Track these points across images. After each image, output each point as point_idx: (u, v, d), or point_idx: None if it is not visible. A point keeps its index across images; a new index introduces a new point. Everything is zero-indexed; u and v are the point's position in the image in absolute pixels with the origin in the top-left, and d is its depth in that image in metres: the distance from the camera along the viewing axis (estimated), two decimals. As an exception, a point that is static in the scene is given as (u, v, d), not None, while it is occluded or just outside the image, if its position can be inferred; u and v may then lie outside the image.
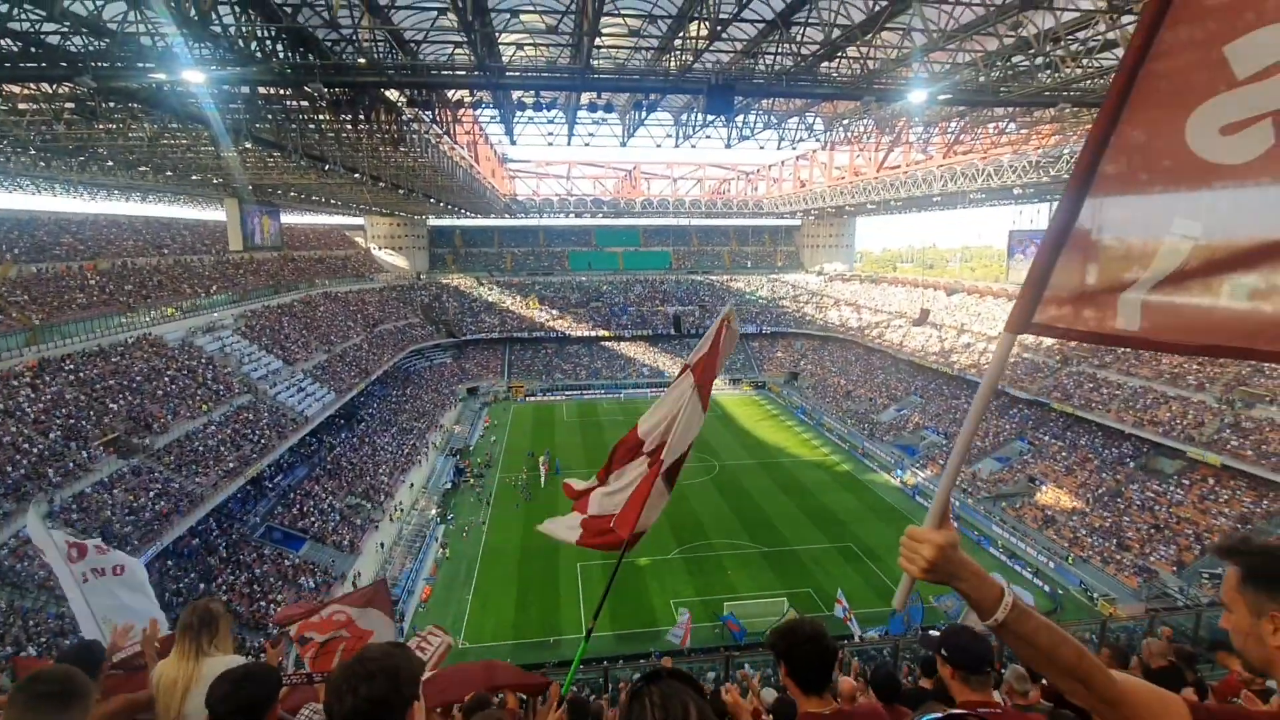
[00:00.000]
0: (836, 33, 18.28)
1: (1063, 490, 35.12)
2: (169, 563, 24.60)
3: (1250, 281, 1.20)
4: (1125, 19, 15.33)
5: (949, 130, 36.74)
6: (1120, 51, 16.92)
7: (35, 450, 22.96)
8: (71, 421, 25.14)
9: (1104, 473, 35.40)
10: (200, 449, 28.46)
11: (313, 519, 31.89)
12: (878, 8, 15.96)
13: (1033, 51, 18.20)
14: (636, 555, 30.36)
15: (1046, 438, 40.54)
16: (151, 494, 24.34)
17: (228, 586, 25.10)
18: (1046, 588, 27.99)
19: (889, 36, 19.31)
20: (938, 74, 21.44)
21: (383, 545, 31.41)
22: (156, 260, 43.36)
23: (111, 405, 27.52)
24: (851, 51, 19.48)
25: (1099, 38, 17.38)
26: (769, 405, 60.96)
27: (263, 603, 24.85)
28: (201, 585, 24.49)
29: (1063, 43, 17.63)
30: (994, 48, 19.54)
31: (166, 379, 31.50)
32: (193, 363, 34.46)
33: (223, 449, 29.27)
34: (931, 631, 18.15)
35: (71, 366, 28.12)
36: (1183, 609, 22.46)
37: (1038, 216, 51.55)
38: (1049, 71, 18.86)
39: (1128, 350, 41.55)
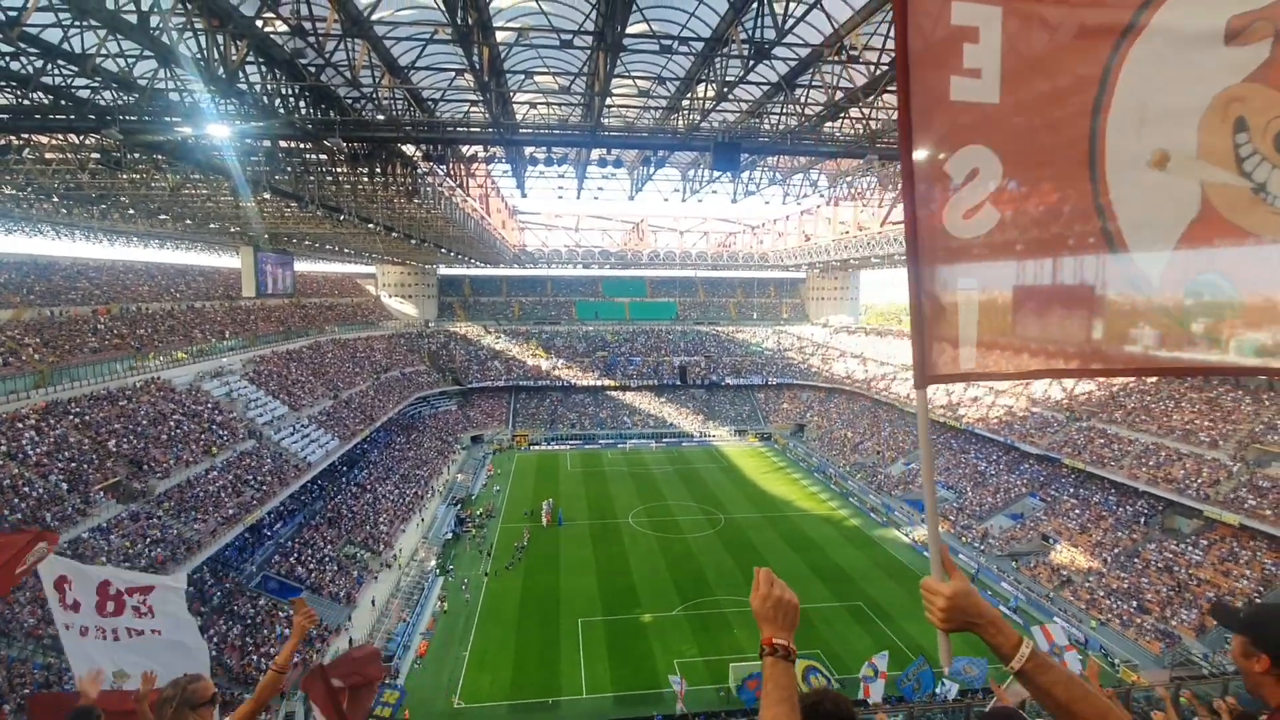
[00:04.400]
0: (839, 95, 18.86)
1: (1078, 549, 34.25)
2: (162, 612, 24.03)
3: (1041, 318, 1.81)
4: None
5: (951, 188, 37.38)
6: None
7: (34, 494, 22.81)
8: (73, 465, 25.05)
9: (1119, 531, 34.57)
10: (201, 495, 28.22)
11: (310, 568, 31.33)
12: (879, 72, 16.49)
13: (1031, 114, 18.67)
14: (640, 612, 29.59)
15: (1059, 494, 39.81)
16: (148, 540, 24.01)
17: (220, 637, 24.47)
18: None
19: (890, 99, 19.89)
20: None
21: (374, 602, 30.58)
22: (170, 305, 43.99)
23: (115, 449, 27.46)
24: (854, 112, 20.05)
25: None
26: (775, 457, 60.33)
27: (254, 655, 24.18)
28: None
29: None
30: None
31: (172, 423, 31.51)
32: (199, 407, 34.52)
33: (223, 495, 29.02)
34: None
35: (78, 409, 28.20)
36: (1209, 677, 21.55)
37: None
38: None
39: (1137, 405, 41.20)
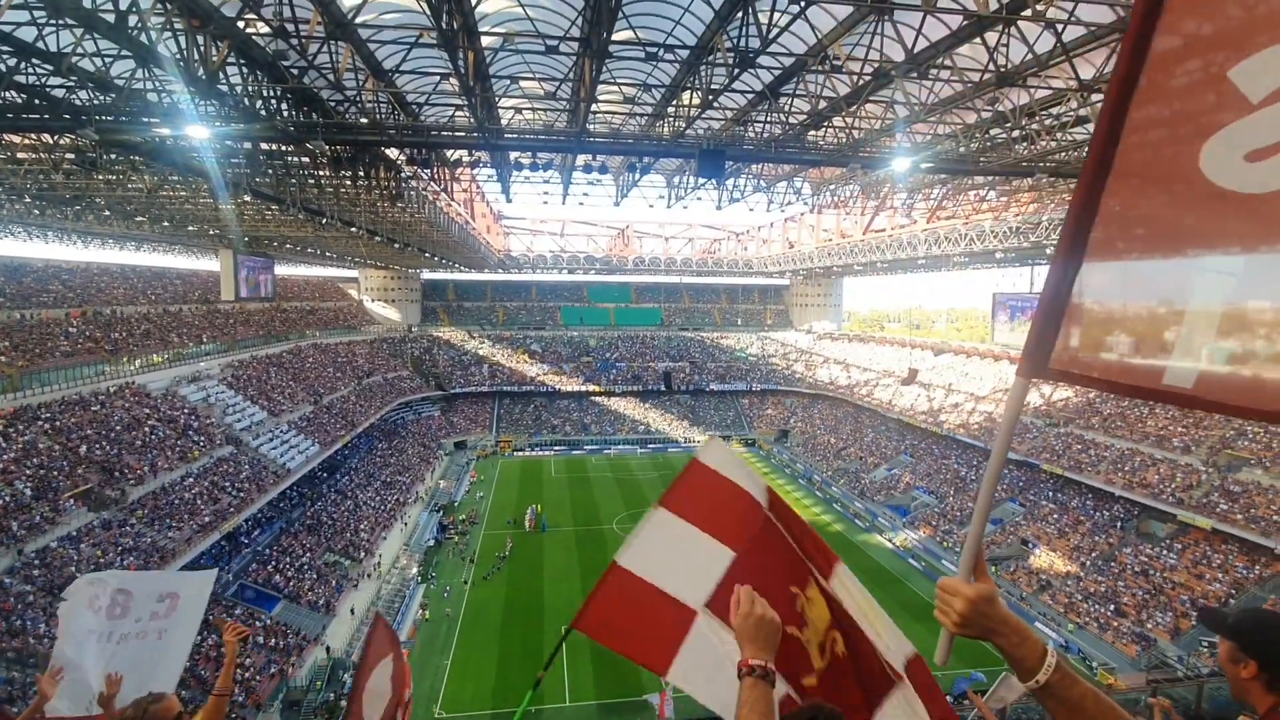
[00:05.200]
0: (823, 104, 19.04)
1: (1056, 553, 34.71)
2: (135, 622, 23.52)
3: None
4: (1094, 96, 16.10)
5: (932, 196, 37.95)
6: (1090, 124, 17.69)
7: (0, 502, 22.24)
8: (42, 472, 24.46)
9: (1097, 535, 35.09)
10: (176, 502, 27.68)
11: (288, 576, 30.83)
12: (861, 82, 16.69)
13: (1009, 125, 19.02)
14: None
15: (1038, 499, 40.33)
16: (121, 549, 23.50)
17: (194, 648, 23.96)
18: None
19: (873, 109, 20.15)
20: (920, 144, 22.29)
21: (353, 610, 30.14)
22: (146, 309, 43.22)
23: (87, 455, 26.87)
24: (837, 121, 20.26)
25: (1071, 113, 18.21)
26: (759, 463, 60.49)
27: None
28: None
29: (1037, 117, 18.44)
30: (973, 121, 20.41)
31: (147, 429, 30.91)
32: (175, 413, 33.91)
33: (199, 502, 28.49)
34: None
35: (48, 415, 27.57)
36: (1183, 679, 21.89)
37: (1019, 279, 52.88)
38: (1025, 144, 19.65)
39: (1113, 411, 41.90)
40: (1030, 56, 14.20)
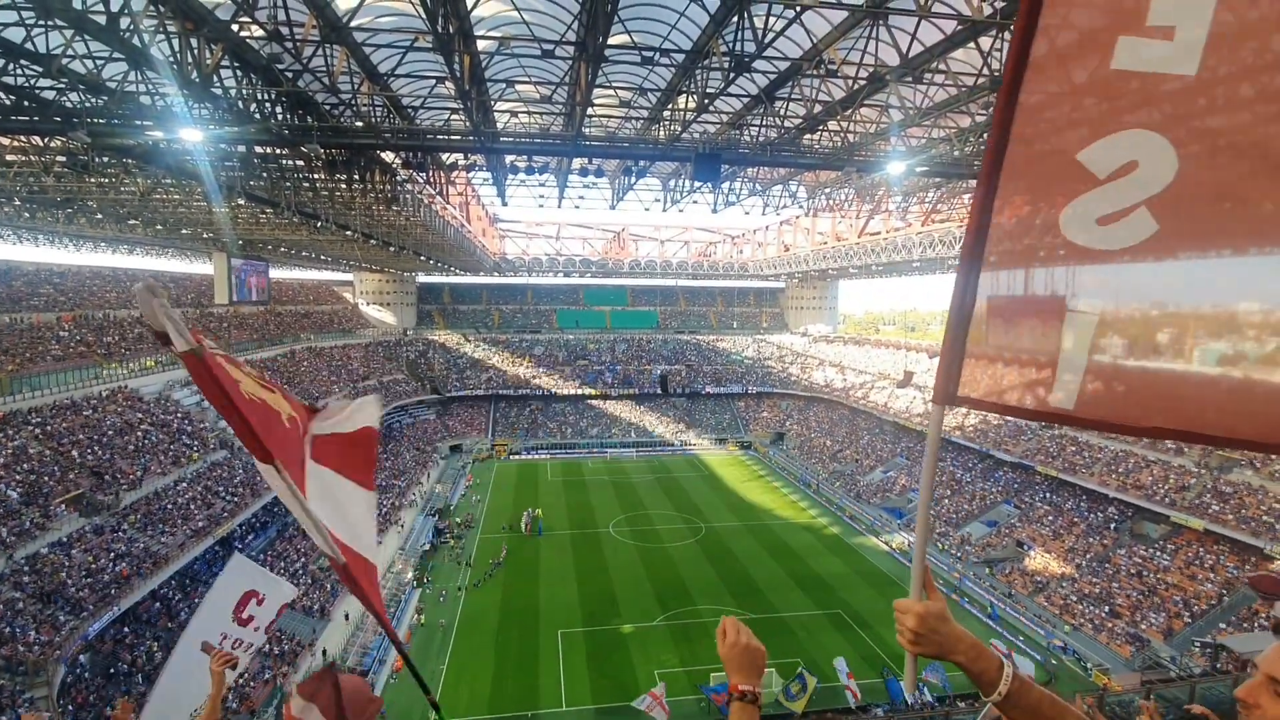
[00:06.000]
0: (818, 108, 19.10)
1: (1051, 555, 34.80)
2: (125, 629, 23.35)
3: (1211, 351, 1.24)
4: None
5: (927, 199, 38.08)
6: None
7: (-6, 507, 22.05)
8: (32, 477, 24.26)
9: (1091, 537, 35.21)
10: (169, 507, 27.50)
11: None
12: (856, 86, 16.74)
13: (1004, 128, 19.06)
14: (620, 622, 29.42)
15: (1033, 501, 40.45)
16: (113, 555, 23.32)
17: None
18: (1039, 657, 27.32)
19: (868, 112, 20.21)
20: (915, 147, 22.36)
21: (348, 616, 29.96)
22: (138, 312, 42.95)
23: (79, 460, 26.67)
24: (832, 125, 20.32)
25: (1066, 117, 18.29)
26: (755, 465, 60.52)
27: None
28: (160, 654, 23.20)
29: (1032, 121, 18.49)
30: (967, 125, 20.49)
31: (139, 434, 30.71)
32: (168, 417, 33.71)
33: (193, 507, 28.32)
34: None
35: (39, 419, 27.36)
36: (1177, 680, 21.96)
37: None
38: (1020, 147, 19.69)
39: (1107, 414, 42.04)
40: (1024, 61, 14.24)
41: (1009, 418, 44.69)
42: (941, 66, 15.85)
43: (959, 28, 13.76)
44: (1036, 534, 37.12)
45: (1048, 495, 40.20)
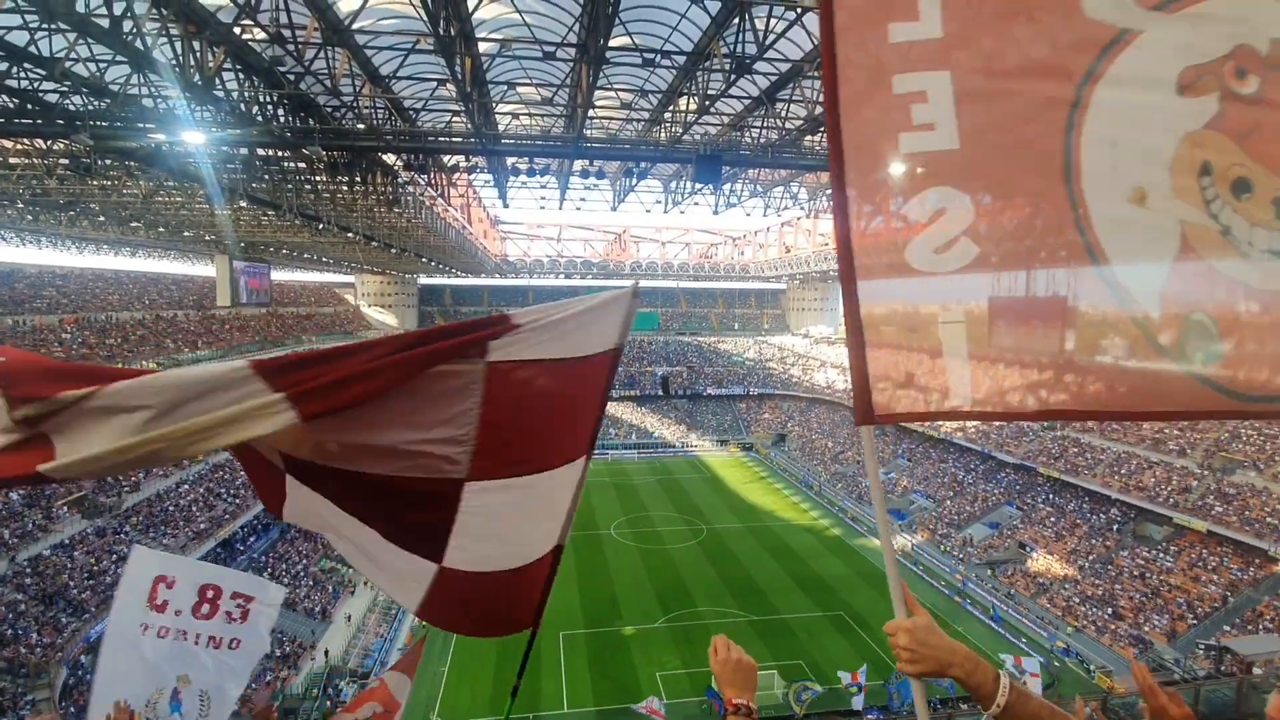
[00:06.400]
0: (819, 109, 19.09)
1: (1054, 556, 34.73)
2: (129, 630, 23.38)
3: (1049, 348, 1.56)
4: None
5: (928, 201, 38.01)
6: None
7: (-3, 509, 22.10)
8: (39, 479, 24.29)
9: (1094, 538, 35.14)
10: (171, 509, 27.55)
11: (284, 583, 30.67)
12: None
13: (1006, 129, 19.06)
14: (621, 624, 29.41)
15: (1035, 502, 40.38)
16: (115, 556, 23.36)
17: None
18: (1042, 659, 27.25)
19: (869, 113, 20.18)
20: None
21: (349, 618, 29.94)
22: (140, 314, 43.07)
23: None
24: (834, 126, 20.29)
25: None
26: (756, 467, 60.49)
27: (226, 674, 23.58)
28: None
29: (1034, 122, 18.50)
30: (969, 125, 20.47)
31: (142, 435, 30.73)
32: (170, 419, 33.72)
33: (194, 509, 28.36)
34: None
35: (44, 422, 27.40)
36: (1180, 682, 21.91)
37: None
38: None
39: (1109, 416, 41.99)
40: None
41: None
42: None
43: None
44: (1039, 535, 37.06)
45: (1050, 497, 40.13)
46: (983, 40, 1.60)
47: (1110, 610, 29.55)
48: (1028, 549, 36.29)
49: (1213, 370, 1.48)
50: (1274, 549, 28.27)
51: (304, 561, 33.17)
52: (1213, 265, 1.48)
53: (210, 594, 4.29)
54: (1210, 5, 1.51)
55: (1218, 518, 30.93)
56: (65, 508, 24.02)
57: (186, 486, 29.53)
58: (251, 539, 33.51)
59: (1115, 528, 35.39)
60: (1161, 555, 32.04)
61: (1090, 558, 33.66)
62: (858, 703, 21.81)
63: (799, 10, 13.46)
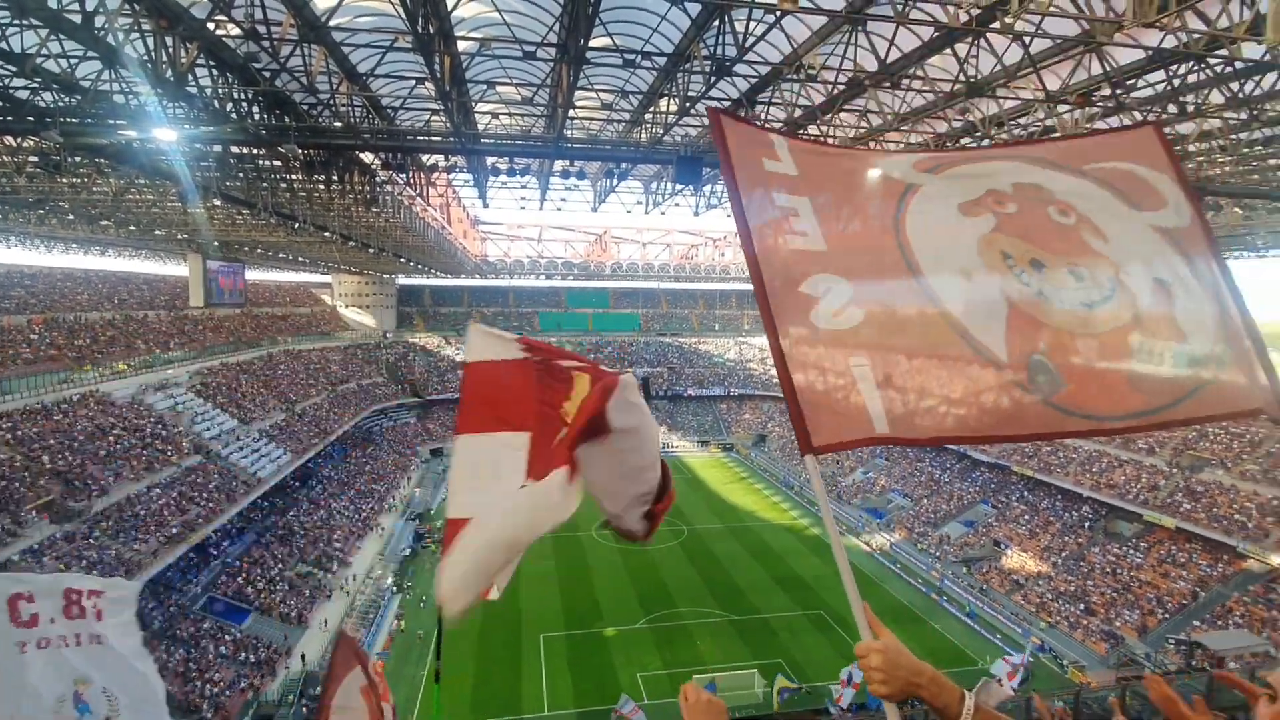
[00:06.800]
0: (798, 112, 19.26)
1: (1027, 554, 35.34)
2: (98, 638, 22.85)
3: (936, 389, 1.97)
4: (1061, 107, 16.52)
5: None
6: (1056, 133, 18.14)
7: (-40, 515, 21.48)
8: (3, 483, 23.67)
9: (1066, 535, 35.81)
10: (142, 513, 26.96)
11: (259, 588, 30.19)
12: (836, 91, 16.91)
13: (979, 134, 19.40)
14: (602, 625, 29.39)
15: (1009, 500, 41.06)
16: (84, 562, 22.81)
17: (161, 665, 23.35)
18: (1027, 657, 27.67)
19: (846, 117, 20.42)
20: (893, 153, 22.63)
21: (326, 623, 29.49)
22: (111, 315, 42.15)
23: (49, 466, 26.07)
24: (812, 129, 20.49)
25: (1039, 123, 18.66)
26: (737, 467, 60.78)
27: (199, 682, 23.14)
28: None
29: (1006, 127, 18.84)
30: (944, 130, 20.79)
31: (111, 438, 30.09)
32: (141, 421, 33.06)
33: (166, 513, 27.79)
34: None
35: (9, 424, 26.70)
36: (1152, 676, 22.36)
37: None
38: (996, 152, 20.03)
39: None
40: (999, 68, 14.52)
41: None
42: (918, 72, 16.07)
43: (935, 34, 13.97)
44: (1013, 533, 37.69)
45: (1024, 495, 40.85)
46: (825, 183, 2.19)
47: (1083, 606, 30.14)
48: (1002, 546, 36.89)
49: (1058, 398, 1.89)
50: (1242, 545, 29.05)
51: (280, 566, 32.67)
52: (1036, 318, 1.96)
53: (74, 596, 4.22)
54: (962, 169, 2.30)
55: (1186, 515, 31.71)
56: (34, 512, 23.42)
57: (158, 490, 28.93)
58: (225, 543, 32.93)
59: (1087, 525, 36.11)
60: (1132, 552, 32.75)
61: (1063, 554, 34.30)
62: (845, 700, 21.87)
63: (778, 14, 13.57)
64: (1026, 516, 38.77)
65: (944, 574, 35.40)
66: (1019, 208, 2.17)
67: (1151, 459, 36.39)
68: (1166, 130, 17.86)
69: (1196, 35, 11.83)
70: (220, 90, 15.43)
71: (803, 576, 35.02)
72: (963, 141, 20.72)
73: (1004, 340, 1.96)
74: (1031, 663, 27.12)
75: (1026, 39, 13.02)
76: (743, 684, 23.93)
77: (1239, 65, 13.41)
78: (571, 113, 19.43)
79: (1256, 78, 14.33)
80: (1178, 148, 18.61)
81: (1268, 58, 12.46)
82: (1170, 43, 12.62)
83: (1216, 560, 30.00)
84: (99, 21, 11.73)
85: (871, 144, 21.62)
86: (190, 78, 13.76)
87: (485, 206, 36.01)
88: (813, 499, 49.53)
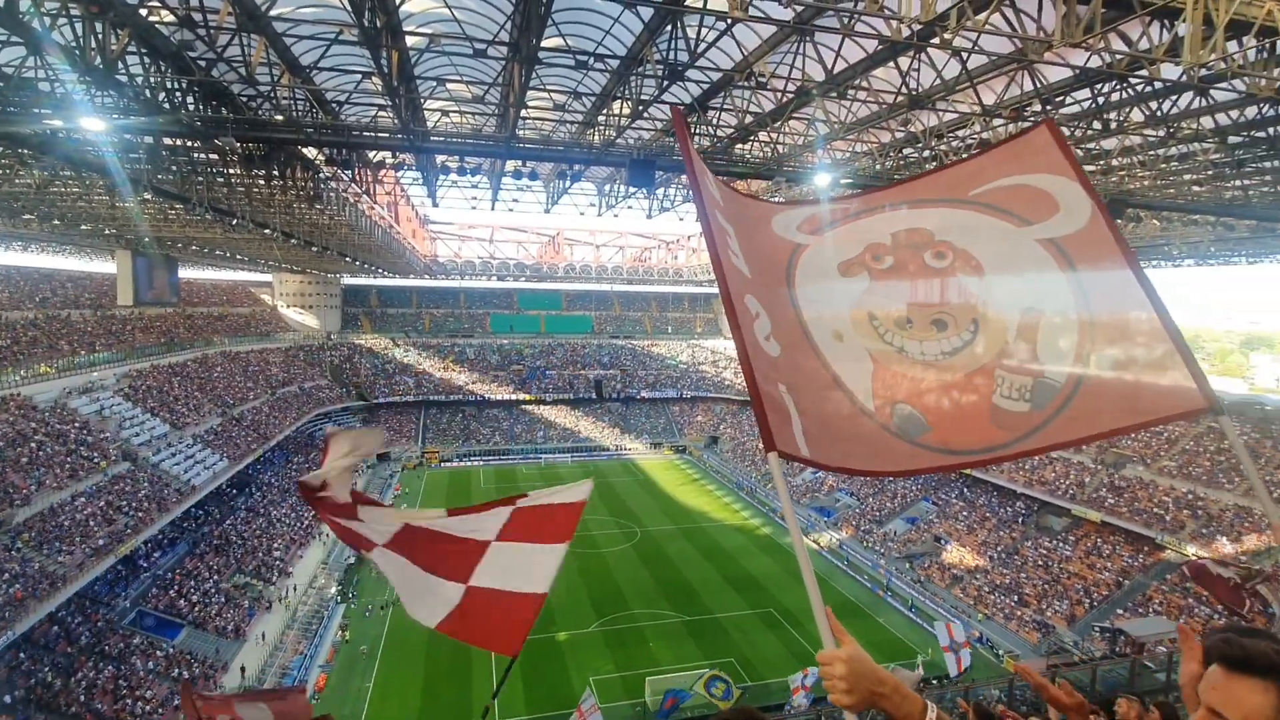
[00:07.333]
0: (748, 119, 19.62)
1: (966, 549, 36.74)
2: (21, 655, 21.48)
3: (829, 430, 2.18)
4: (996, 121, 17.31)
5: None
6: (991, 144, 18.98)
7: None
8: (-94, 494, 22.00)
9: (1001, 530, 37.39)
10: (66, 524, 25.44)
11: (193, 601, 28.84)
12: (785, 99, 17.29)
13: (920, 145, 20.16)
14: (555, 630, 29.16)
15: (949, 498, 42.61)
16: (5, 576, 21.38)
17: (89, 683, 22.06)
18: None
19: (796, 125, 20.89)
20: (839, 160, 23.29)
21: (264, 636, 28.30)
22: (32, 314, 39.66)
23: (-41, 475, 24.34)
24: (763, 136, 20.90)
25: (975, 135, 19.49)
26: (689, 469, 61.25)
27: (129, 700, 21.95)
28: (58, 681, 21.42)
29: (945, 138, 19.63)
30: (887, 140, 21.51)
31: (33, 445, 28.30)
32: (64, 427, 31.20)
33: (92, 523, 26.28)
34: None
35: (-88, 431, 24.83)
36: (1079, 663, 23.59)
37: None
38: (934, 162, 20.87)
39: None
40: (939, 81, 15.12)
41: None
42: (864, 83, 16.58)
43: (879, 47, 14.45)
44: (953, 529, 39.13)
45: (963, 492, 42.45)
46: (739, 219, 2.43)
47: (1016, 597, 31.52)
48: (943, 542, 38.25)
49: (926, 439, 2.13)
50: (1161, 537, 30.88)
51: (215, 578, 31.29)
52: (899, 371, 2.24)
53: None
54: (843, 230, 2.54)
55: (1110, 509, 33.52)
56: (-62, 525, 21.84)
57: (83, 500, 27.33)
58: (157, 554, 31.35)
59: (1021, 520, 37.79)
60: (1062, 545, 34.43)
61: (999, 549, 35.80)
62: (799, 701, 22.09)
63: (728, 21, 13.79)
64: (965, 513, 40.31)
65: (889, 570, 36.48)
66: (894, 260, 2.41)
67: (1079, 456, 38.35)
68: (1090, 145, 18.92)
69: (1120, 56, 12.57)
70: (152, 79, 14.73)
71: (754, 575, 35.55)
72: (904, 151, 21.48)
73: (870, 390, 2.25)
74: (971, 654, 28.18)
75: (964, 55, 13.60)
76: (693, 683, 24.06)
77: (1158, 85, 14.30)
78: (524, 113, 19.30)
79: (1174, 97, 15.31)
80: (1100, 162, 19.73)
81: (1184, 78, 13.31)
82: (1096, 63, 13.36)
83: (1138, 551, 31.82)
84: (23, 4, 11.07)
85: (820, 152, 22.27)
86: (120, 65, 13.10)
87: (435, 206, 35.40)
88: (765, 500, 50.38)
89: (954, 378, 2.19)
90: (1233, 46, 11.60)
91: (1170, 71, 13.40)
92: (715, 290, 77.75)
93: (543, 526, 3.94)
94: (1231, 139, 17.52)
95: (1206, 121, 16.93)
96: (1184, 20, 10.82)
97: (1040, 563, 33.61)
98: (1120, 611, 28.96)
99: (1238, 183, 21.90)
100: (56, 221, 32.54)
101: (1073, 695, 2.20)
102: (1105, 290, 2.11)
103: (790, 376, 2.18)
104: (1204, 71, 12.39)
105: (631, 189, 29.73)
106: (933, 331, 2.26)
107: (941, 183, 2.57)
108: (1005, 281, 2.26)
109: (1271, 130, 16.84)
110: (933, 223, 2.40)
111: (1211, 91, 14.77)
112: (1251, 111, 16.10)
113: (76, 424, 32.20)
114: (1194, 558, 27.39)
